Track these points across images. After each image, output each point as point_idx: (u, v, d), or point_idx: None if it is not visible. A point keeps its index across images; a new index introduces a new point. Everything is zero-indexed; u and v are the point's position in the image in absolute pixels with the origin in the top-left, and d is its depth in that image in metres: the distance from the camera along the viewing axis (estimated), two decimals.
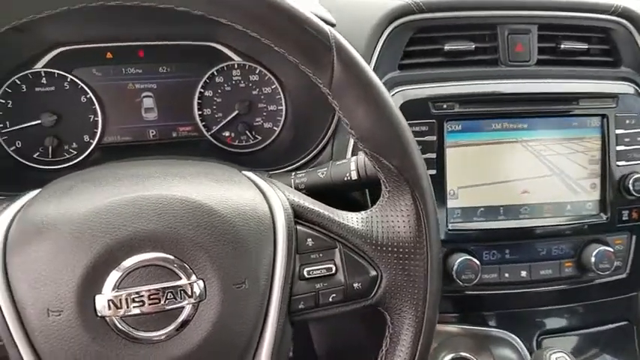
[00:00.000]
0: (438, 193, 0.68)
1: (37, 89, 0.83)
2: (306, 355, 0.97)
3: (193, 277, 0.46)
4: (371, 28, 0.79)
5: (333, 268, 0.52)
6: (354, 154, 0.78)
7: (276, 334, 0.49)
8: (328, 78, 0.48)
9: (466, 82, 0.81)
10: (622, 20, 0.85)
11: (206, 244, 0.47)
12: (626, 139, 0.82)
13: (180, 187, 0.50)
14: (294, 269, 0.51)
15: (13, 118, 0.82)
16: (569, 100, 0.82)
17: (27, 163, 0.84)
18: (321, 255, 0.52)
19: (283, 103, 0.94)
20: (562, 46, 0.84)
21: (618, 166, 0.82)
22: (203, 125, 0.92)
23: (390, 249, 0.52)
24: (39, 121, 0.83)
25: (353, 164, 0.66)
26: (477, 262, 0.77)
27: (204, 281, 0.46)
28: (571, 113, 0.82)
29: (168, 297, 0.45)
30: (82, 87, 0.85)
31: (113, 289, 0.44)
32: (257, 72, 0.92)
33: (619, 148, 0.82)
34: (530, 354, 0.85)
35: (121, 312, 0.44)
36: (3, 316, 0.43)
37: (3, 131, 0.82)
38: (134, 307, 0.44)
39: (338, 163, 0.69)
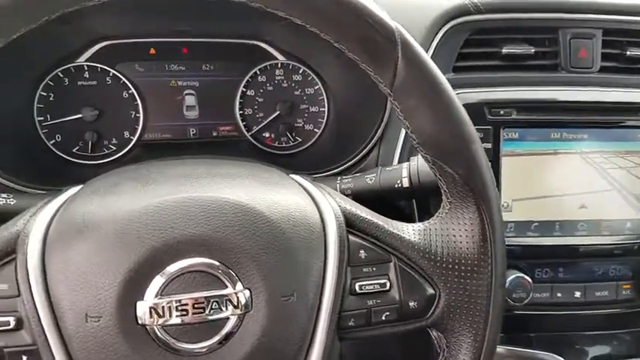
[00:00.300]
0: None
1: (79, 83, 0.82)
2: None
3: (239, 286, 0.43)
4: (425, 29, 0.75)
5: (388, 284, 0.48)
6: (401, 159, 0.74)
7: (324, 352, 0.45)
8: (390, 77, 0.44)
9: (524, 87, 0.77)
10: None
11: (254, 251, 0.43)
12: None
13: (228, 189, 0.47)
14: (345, 283, 0.47)
15: (54, 111, 0.82)
16: (634, 110, 0.77)
17: (66, 157, 0.83)
18: (374, 269, 0.48)
19: (326, 105, 0.91)
20: (628, 52, 0.79)
21: None
22: (244, 125, 0.90)
23: (450, 265, 0.48)
24: (80, 116, 0.82)
25: (405, 171, 0.62)
26: (529, 280, 0.73)
27: (250, 291, 0.43)
28: (635, 125, 0.77)
29: (213, 306, 0.42)
30: (124, 82, 0.84)
31: (156, 296, 0.41)
32: (300, 72, 0.90)
33: None
34: None
35: (163, 321, 0.41)
36: (39, 319, 0.41)
37: (44, 124, 0.82)
38: (177, 316, 0.41)
39: (388, 169, 0.65)
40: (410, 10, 0.78)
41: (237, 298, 0.42)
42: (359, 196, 0.64)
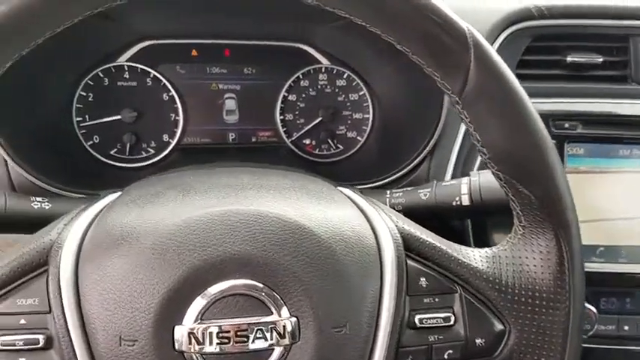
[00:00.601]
0: None
1: (119, 83, 0.80)
2: None
3: (286, 313, 0.38)
4: (484, 34, 0.69)
5: (452, 318, 0.43)
6: (454, 173, 0.69)
7: None
8: (460, 83, 0.39)
9: (591, 99, 0.72)
10: None
11: (303, 274, 0.39)
12: None
13: (275, 203, 0.43)
14: (404, 315, 0.42)
15: (93, 111, 0.80)
16: None
17: (103, 159, 0.81)
18: (436, 300, 0.43)
19: (370, 112, 0.88)
20: None
21: None
22: (284, 131, 0.87)
23: (522, 298, 0.42)
24: (119, 117, 0.80)
25: (465, 187, 0.57)
26: (594, 311, 0.66)
27: (298, 319, 0.39)
28: None
29: (256, 335, 0.38)
30: (164, 84, 0.81)
31: (195, 320, 0.37)
32: (345, 76, 0.87)
33: None
34: None
35: (200, 348, 0.37)
36: (70, 339, 0.38)
37: (82, 124, 0.80)
38: (217, 343, 0.37)
39: (445, 184, 0.60)
40: (468, 13, 0.72)
41: (284, 326, 0.38)
42: (410, 213, 0.59)
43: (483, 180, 0.57)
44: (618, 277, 0.69)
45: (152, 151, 0.82)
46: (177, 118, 0.82)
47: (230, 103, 0.85)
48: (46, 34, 0.35)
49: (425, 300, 0.43)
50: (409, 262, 0.43)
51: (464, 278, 0.43)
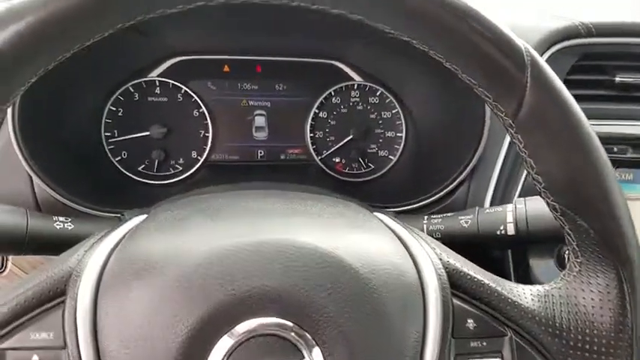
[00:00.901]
0: None
1: (149, 99, 0.79)
2: None
3: (319, 356, 0.35)
4: None
5: None
6: (494, 199, 0.66)
7: None
8: (515, 106, 0.36)
9: None
10: None
11: (337, 313, 0.36)
12: None
13: (310, 233, 0.40)
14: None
15: (122, 127, 0.79)
16: None
17: (131, 175, 0.79)
18: (484, 344, 0.39)
19: (403, 130, 0.85)
20: None
21: None
22: (313, 149, 0.85)
23: (579, 343, 0.39)
24: (147, 133, 0.79)
25: (510, 215, 0.54)
26: None
27: None
28: None
29: None
30: (195, 100, 0.80)
31: None
32: (378, 94, 0.84)
33: None
34: None
35: None
36: None
37: (110, 140, 0.79)
38: None
39: (488, 211, 0.56)
40: (512, 31, 0.70)
41: None
42: (448, 241, 0.56)
43: (530, 208, 0.53)
44: None
45: (180, 168, 0.81)
46: (206, 134, 0.81)
47: (259, 120, 0.83)
48: (75, 47, 0.33)
49: (472, 344, 0.39)
50: (455, 301, 0.40)
51: (514, 320, 0.39)
